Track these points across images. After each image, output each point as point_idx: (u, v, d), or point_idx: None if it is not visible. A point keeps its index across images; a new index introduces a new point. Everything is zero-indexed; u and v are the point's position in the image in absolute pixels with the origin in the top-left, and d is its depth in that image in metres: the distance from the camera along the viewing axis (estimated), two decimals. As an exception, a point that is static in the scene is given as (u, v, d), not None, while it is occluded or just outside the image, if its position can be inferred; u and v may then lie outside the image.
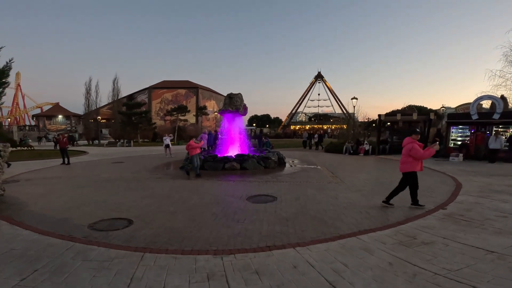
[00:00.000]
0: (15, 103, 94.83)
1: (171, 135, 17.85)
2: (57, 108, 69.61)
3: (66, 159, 13.44)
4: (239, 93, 12.91)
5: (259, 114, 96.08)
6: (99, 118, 38.20)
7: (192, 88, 57.95)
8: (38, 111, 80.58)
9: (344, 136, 22.11)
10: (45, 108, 79.39)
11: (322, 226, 4.76)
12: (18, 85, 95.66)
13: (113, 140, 34.84)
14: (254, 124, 70.08)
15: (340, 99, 63.74)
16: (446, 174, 9.95)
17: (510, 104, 17.80)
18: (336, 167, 12.41)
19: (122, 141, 30.81)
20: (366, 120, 30.56)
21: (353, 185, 8.20)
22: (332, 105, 66.92)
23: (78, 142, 34.49)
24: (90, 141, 36.47)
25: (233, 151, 13.19)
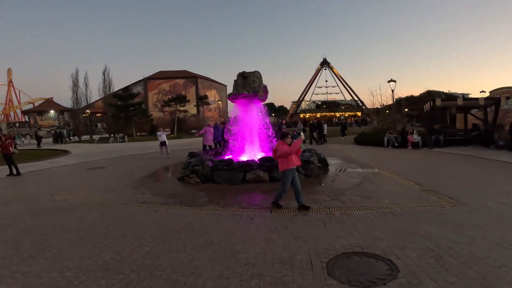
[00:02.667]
0: (7, 99, 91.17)
1: (167, 129, 13.93)
2: (49, 103, 65.84)
3: (13, 169, 9.60)
4: (256, 71, 8.89)
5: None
6: (87, 112, 34.31)
7: (191, 77, 53.83)
8: (30, 106, 76.83)
9: (384, 124, 17.86)
10: (38, 104, 75.66)
11: None
12: (10, 81, 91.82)
13: (107, 136, 31.05)
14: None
15: (350, 85, 59.25)
16: None
17: None
18: (405, 169, 8.54)
19: (115, 136, 27.03)
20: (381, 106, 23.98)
21: (497, 213, 4.35)
22: (341, 92, 62.57)
23: (67, 138, 30.71)
24: (83, 137, 32.71)
25: (251, 152, 9.35)
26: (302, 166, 7.77)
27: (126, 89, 44.80)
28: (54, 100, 67.56)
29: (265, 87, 8.91)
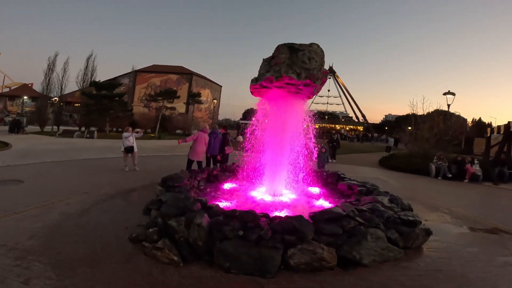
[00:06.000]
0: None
1: (138, 130, 9.47)
2: (24, 88, 59.40)
3: None
4: (314, 44, 4.80)
5: (254, 107, 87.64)
6: (55, 99, 29.21)
7: (186, 74, 49.50)
8: (7, 91, 69.90)
9: (421, 146, 13.96)
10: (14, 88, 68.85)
11: None
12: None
13: (74, 129, 26.03)
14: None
15: (354, 98, 56.20)
16: None
17: None
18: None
19: (82, 130, 22.22)
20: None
21: None
22: (343, 103, 59.43)
23: (24, 127, 25.47)
24: (47, 128, 27.48)
25: (277, 181, 5.33)
26: (398, 230, 3.77)
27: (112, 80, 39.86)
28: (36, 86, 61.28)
29: (326, 72, 4.82)
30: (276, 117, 5.23)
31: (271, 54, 4.86)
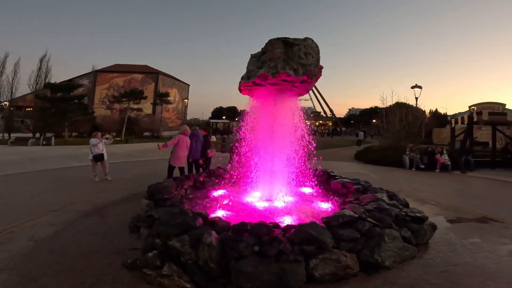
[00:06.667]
0: None
1: (108, 135, 8.60)
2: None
3: None
4: (309, 39, 4.56)
5: (224, 106, 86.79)
6: (5, 104, 26.22)
7: (151, 73, 47.27)
8: None
9: (395, 139, 14.49)
10: None
11: None
12: None
13: (28, 136, 23.45)
14: (224, 117, 60.38)
15: (322, 94, 57.69)
16: None
17: None
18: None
19: (36, 137, 20.06)
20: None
21: None
22: (311, 99, 60.78)
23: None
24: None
25: (269, 185, 5.09)
26: (409, 228, 3.69)
27: (70, 82, 36.71)
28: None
29: (321, 67, 4.59)
30: (268, 116, 4.94)
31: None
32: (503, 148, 13.00)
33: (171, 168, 7.19)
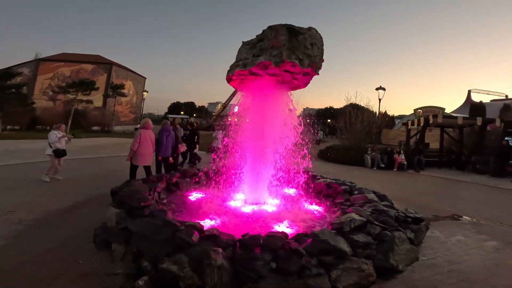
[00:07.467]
0: None
1: (68, 136, 7.31)
2: None
3: None
4: (312, 28, 4.18)
5: (182, 101, 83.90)
6: None
7: (104, 64, 43.16)
8: None
9: (356, 139, 15.03)
10: None
11: None
12: None
13: None
14: (182, 112, 57.45)
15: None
16: None
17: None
18: (493, 212, 5.40)
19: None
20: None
21: None
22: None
23: None
24: None
25: (255, 187, 4.76)
26: (411, 229, 3.65)
27: (7, 70, 31.64)
28: None
29: (323, 60, 4.29)
30: (260, 110, 4.54)
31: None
32: (448, 149, 14.41)
33: (133, 168, 6.28)
